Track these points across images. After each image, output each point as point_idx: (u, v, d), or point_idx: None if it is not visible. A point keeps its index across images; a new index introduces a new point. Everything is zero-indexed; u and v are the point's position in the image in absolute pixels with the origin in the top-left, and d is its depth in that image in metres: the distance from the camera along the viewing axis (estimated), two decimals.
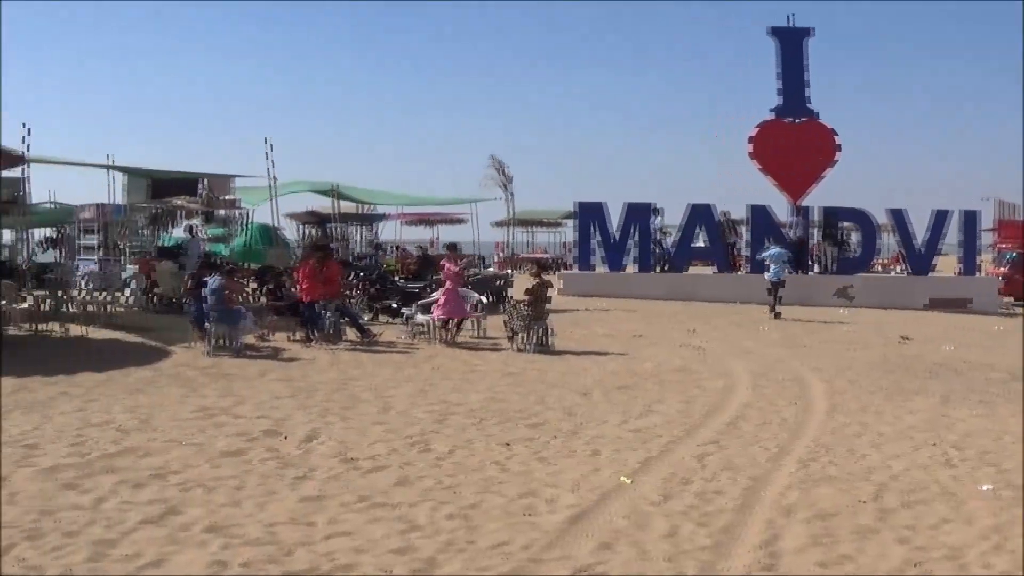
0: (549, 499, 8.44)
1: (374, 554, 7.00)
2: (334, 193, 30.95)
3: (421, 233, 54.51)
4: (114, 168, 24.52)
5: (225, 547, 7.06)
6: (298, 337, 18.63)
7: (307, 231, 39.30)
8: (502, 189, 46.20)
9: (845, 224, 33.65)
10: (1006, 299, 33.12)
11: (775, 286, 25.89)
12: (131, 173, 26.79)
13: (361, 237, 42.39)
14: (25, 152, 18.89)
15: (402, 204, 40.20)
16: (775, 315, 25.24)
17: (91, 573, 6.54)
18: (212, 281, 17.34)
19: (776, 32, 33.83)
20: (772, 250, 27.15)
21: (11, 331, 18.79)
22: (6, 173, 19.84)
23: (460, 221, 48.71)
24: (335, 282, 18.98)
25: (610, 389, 14.03)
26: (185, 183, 27.00)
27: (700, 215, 32.35)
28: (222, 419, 11.54)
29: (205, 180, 27.08)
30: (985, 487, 9.08)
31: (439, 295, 19.25)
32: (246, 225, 32.22)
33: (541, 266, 20.50)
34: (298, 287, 19.01)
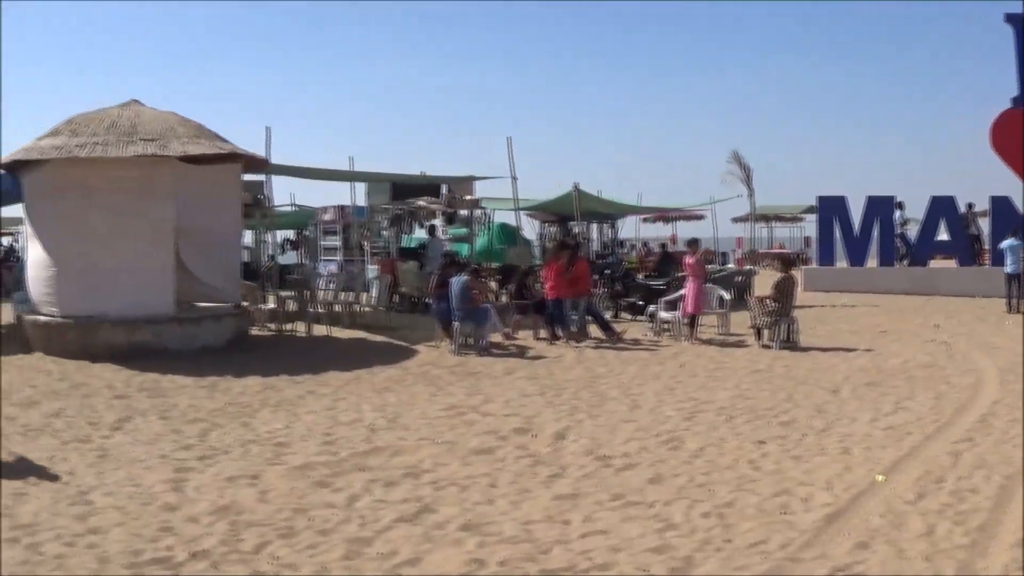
0: (804, 497, 8.24)
1: (630, 552, 6.91)
2: (575, 191, 30.94)
3: (660, 230, 54.44)
4: (355, 179, 25.05)
5: (481, 545, 7.03)
6: (542, 335, 18.66)
7: (547, 229, 39.56)
8: (743, 185, 45.47)
9: None
10: None
11: (1013, 279, 24.60)
12: (372, 181, 27.41)
13: (601, 234, 42.42)
14: (267, 156, 19.51)
15: (639, 214, 40.24)
16: (1014, 309, 23.93)
17: (347, 572, 6.55)
18: (457, 280, 17.53)
19: (1012, 19, 31.87)
20: (1009, 241, 25.57)
21: (255, 331, 19.48)
22: (248, 177, 20.55)
23: (699, 217, 48.51)
24: (584, 280, 18.91)
25: (858, 386, 13.65)
26: (427, 185, 27.49)
27: (942, 207, 31.34)
28: (472, 417, 11.58)
29: (446, 185, 27.50)
30: None
31: (683, 292, 18.96)
32: (487, 225, 32.66)
33: (787, 261, 20.12)
34: (544, 285, 19.00)
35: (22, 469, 9.27)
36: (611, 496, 8.25)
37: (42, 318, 17.28)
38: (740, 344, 17.99)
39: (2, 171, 18.84)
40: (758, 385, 13.74)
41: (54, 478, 8.95)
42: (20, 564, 6.68)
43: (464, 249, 28.05)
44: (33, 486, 8.66)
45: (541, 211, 36.39)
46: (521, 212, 29.87)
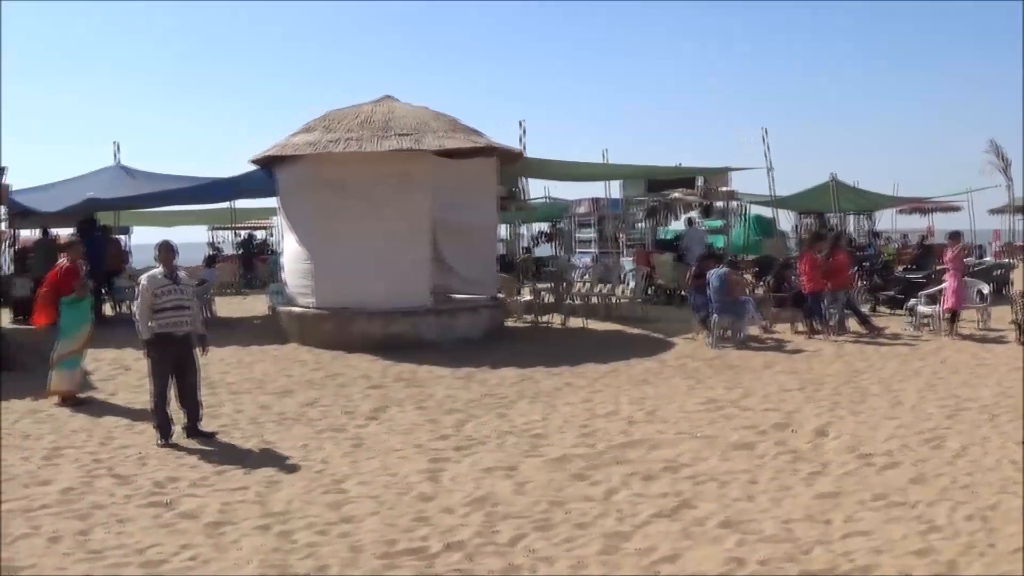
0: None
1: (893, 555, 6.60)
2: (832, 182, 30.04)
3: (916, 222, 52.37)
4: (609, 177, 24.99)
5: (741, 543, 6.79)
6: (800, 329, 18.14)
7: (803, 221, 38.60)
8: (1002, 175, 43.20)
9: None
10: None
11: None
12: (627, 176, 27.26)
13: (858, 226, 41.17)
14: (522, 149, 19.58)
15: (895, 205, 38.93)
16: None
17: (604, 567, 6.41)
18: (716, 273, 17.22)
19: None
20: None
21: (511, 322, 19.62)
22: (506, 170, 20.69)
23: (955, 208, 46.51)
24: (843, 273, 18.28)
25: None
26: (682, 178, 27.18)
27: None
28: (730, 411, 11.29)
29: (701, 177, 27.12)
30: None
31: (944, 285, 18.07)
32: (743, 217, 32.08)
33: None
34: (802, 278, 18.47)
35: (276, 457, 9.53)
36: (873, 496, 7.91)
37: (297, 309, 17.89)
38: (1000, 340, 17.01)
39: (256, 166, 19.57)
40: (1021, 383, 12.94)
41: (308, 467, 9.15)
42: (272, 551, 6.80)
43: (720, 241, 27.61)
44: (287, 474, 8.89)
45: (795, 205, 35.49)
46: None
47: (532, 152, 19.94)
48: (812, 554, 6.58)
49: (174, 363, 10.40)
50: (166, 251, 10.62)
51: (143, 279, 10.50)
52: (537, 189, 36.09)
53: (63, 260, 13.11)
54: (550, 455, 9.30)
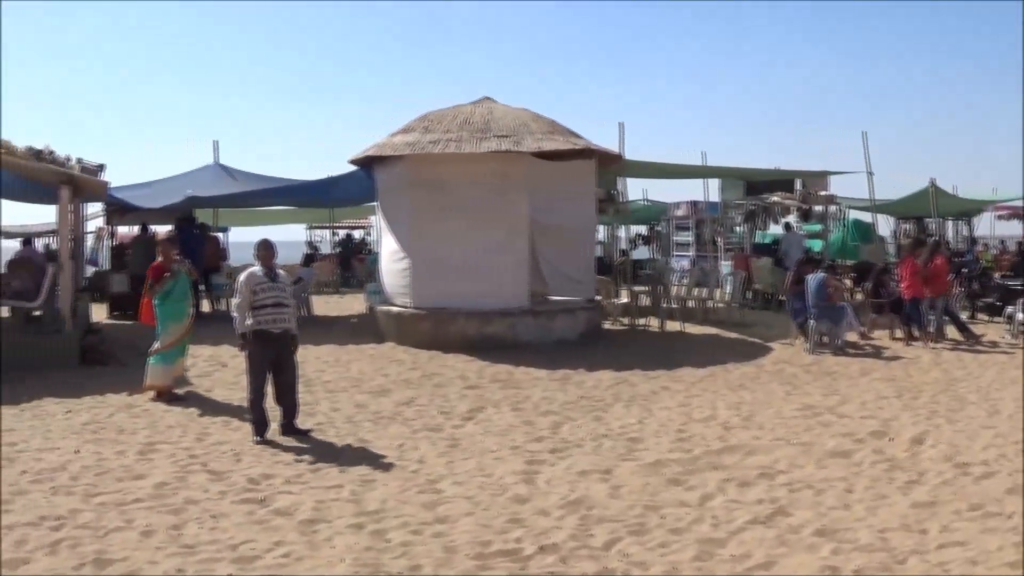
0: None
1: (988, 566, 6.49)
2: (932, 188, 29.49)
3: (1014, 228, 51.15)
4: (707, 176, 24.85)
5: (836, 552, 6.71)
6: (898, 335, 17.89)
7: (902, 227, 37.99)
8: None
9: None
10: None
11: None
12: (725, 176, 27.08)
13: (956, 232, 40.40)
14: (621, 151, 19.56)
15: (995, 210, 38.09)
16: None
17: (698, 573, 6.38)
18: (814, 278, 17.04)
19: None
20: None
21: (608, 325, 19.60)
22: (603, 172, 20.68)
23: None
24: (941, 279, 17.98)
25: None
26: (780, 181, 26.91)
27: None
28: (827, 418, 11.16)
29: (800, 180, 26.83)
30: None
31: None
32: (842, 222, 31.68)
33: None
34: (901, 284, 18.20)
35: (371, 456, 9.61)
36: (969, 506, 7.77)
37: (395, 309, 18.02)
38: None
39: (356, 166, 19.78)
40: None
41: (403, 466, 9.21)
42: (365, 550, 6.83)
43: (818, 245, 27.30)
44: (382, 473, 8.95)
45: (893, 211, 34.86)
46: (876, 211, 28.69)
47: (631, 154, 19.93)
48: (907, 564, 6.49)
49: (272, 360, 10.48)
50: (265, 249, 10.72)
51: (242, 276, 10.64)
52: (635, 192, 36.06)
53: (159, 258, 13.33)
54: (646, 459, 9.27)
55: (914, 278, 17.63)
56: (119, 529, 7.32)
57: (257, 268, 10.59)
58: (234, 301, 10.76)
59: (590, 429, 10.68)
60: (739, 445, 9.80)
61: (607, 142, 19.15)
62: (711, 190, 29.99)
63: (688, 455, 9.42)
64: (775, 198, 26.94)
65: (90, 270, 28.20)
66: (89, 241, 29.56)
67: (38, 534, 7.17)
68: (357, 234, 45.28)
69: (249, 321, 10.41)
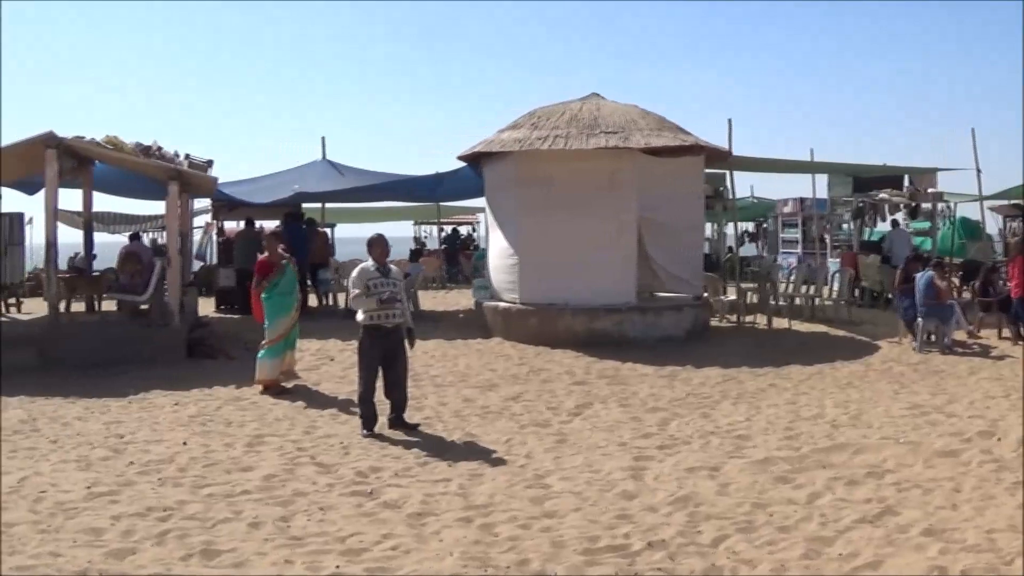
0: None
1: None
2: None
3: None
4: (815, 171, 24.57)
5: (943, 552, 6.64)
6: (1007, 334, 17.51)
7: (1010, 225, 37.11)
8: None
9: None
10: None
11: None
12: (832, 171, 26.71)
13: None
14: (729, 148, 19.44)
15: None
16: None
17: (805, 571, 6.36)
18: (922, 275, 16.76)
19: None
20: None
21: (715, 322, 19.50)
22: (711, 169, 20.56)
23: None
24: None
25: None
26: (888, 177, 26.46)
27: None
28: (935, 417, 11.00)
29: (908, 177, 26.36)
30: None
31: None
32: (950, 219, 31.05)
33: None
34: (1010, 282, 17.80)
35: (479, 450, 9.70)
36: None
37: (502, 304, 18.13)
38: None
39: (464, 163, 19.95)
40: None
41: (511, 461, 9.28)
42: (473, 543, 6.87)
43: (927, 243, 26.80)
44: (490, 467, 9.03)
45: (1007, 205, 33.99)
46: (985, 205, 28.03)
47: (738, 150, 19.78)
48: (1014, 565, 6.40)
49: (383, 354, 10.53)
50: (378, 244, 10.75)
51: (355, 271, 10.71)
52: (743, 188, 35.70)
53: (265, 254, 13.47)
54: (754, 456, 9.25)
55: (1023, 277, 17.25)
56: (227, 520, 7.44)
57: (369, 263, 10.64)
58: (352, 294, 10.82)
59: (698, 426, 10.68)
60: (847, 443, 9.70)
61: (713, 138, 19.05)
62: (819, 187, 29.62)
63: (796, 453, 9.37)
64: (883, 195, 26.48)
65: (198, 265, 28.77)
66: (197, 236, 30.03)
67: (145, 524, 7.30)
68: (464, 230, 45.46)
69: (361, 315, 10.51)
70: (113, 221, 32.14)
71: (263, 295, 13.09)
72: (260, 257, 13.45)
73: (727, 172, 21.74)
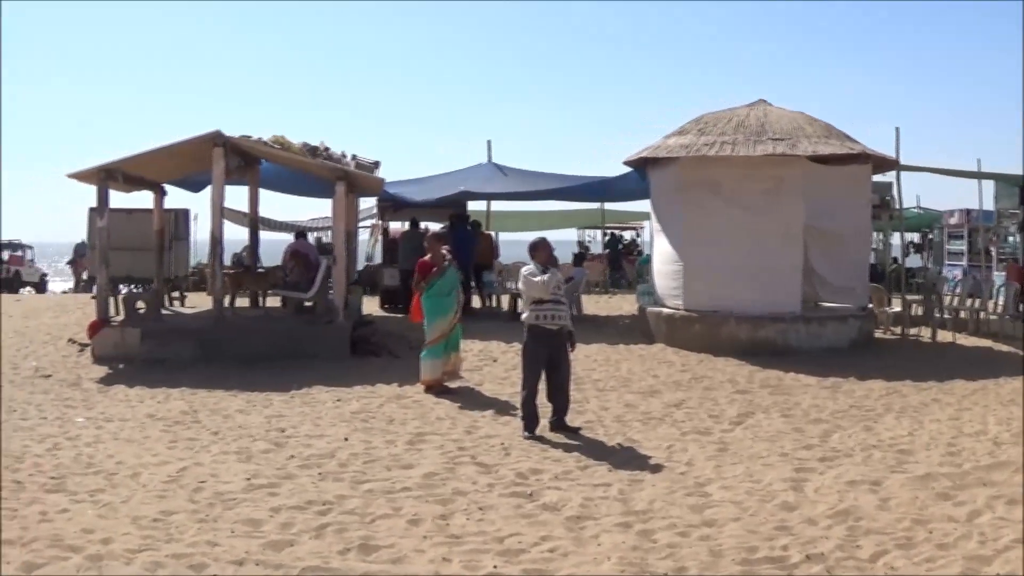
0: None
1: None
2: None
3: None
4: (981, 176, 23.87)
5: None
6: None
7: None
8: None
9: None
10: None
11: None
12: (999, 180, 25.89)
13: None
14: (896, 156, 19.08)
15: None
16: None
17: None
18: None
19: None
20: None
21: (879, 334, 19.12)
22: (877, 177, 20.20)
23: None
24: None
25: None
26: None
27: None
28: None
29: None
30: None
31: None
32: None
33: None
34: None
35: (639, 456, 9.72)
36: None
37: (666, 310, 18.10)
38: None
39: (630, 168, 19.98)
40: None
41: (671, 468, 9.27)
42: (631, 549, 6.85)
43: None
44: (650, 473, 9.04)
45: None
46: None
47: (905, 159, 19.42)
48: None
49: (547, 357, 10.57)
50: (542, 247, 10.79)
51: (522, 271, 10.78)
52: (909, 198, 34.82)
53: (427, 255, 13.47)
54: (915, 472, 9.09)
55: None
56: (386, 516, 7.54)
57: (533, 266, 10.69)
58: (523, 293, 10.88)
59: (860, 439, 10.52)
60: (1009, 462, 9.46)
61: (878, 145, 18.71)
62: (986, 198, 28.75)
63: (958, 470, 9.18)
64: None
65: (363, 264, 29.28)
66: (363, 236, 30.45)
67: (304, 517, 7.46)
68: (627, 235, 45.27)
69: (526, 315, 10.62)
70: (274, 227, 32.62)
71: (423, 295, 13.14)
72: (424, 258, 13.55)
73: (894, 181, 21.34)
